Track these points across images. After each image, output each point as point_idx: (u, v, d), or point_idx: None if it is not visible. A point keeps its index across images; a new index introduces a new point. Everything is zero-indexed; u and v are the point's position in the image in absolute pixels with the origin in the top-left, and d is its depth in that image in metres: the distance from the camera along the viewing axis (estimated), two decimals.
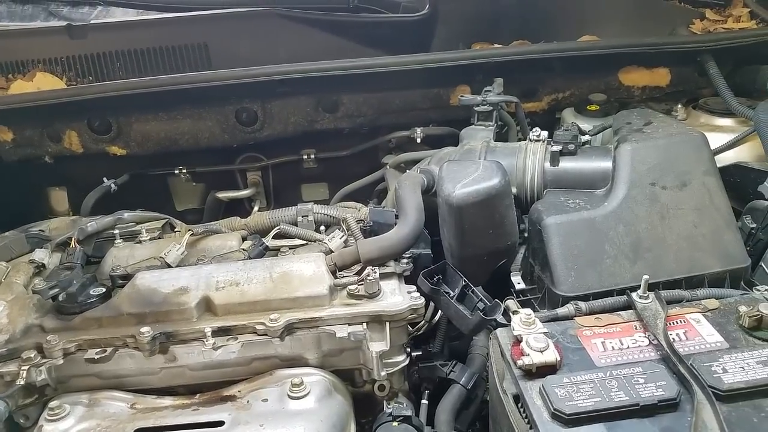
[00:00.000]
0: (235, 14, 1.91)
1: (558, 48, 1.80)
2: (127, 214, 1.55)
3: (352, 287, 1.26)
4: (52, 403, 1.13)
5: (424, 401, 1.33)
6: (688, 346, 1.03)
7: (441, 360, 1.37)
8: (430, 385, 1.36)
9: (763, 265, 1.35)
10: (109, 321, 1.21)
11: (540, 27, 1.97)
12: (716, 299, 1.14)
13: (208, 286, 1.25)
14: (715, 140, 1.61)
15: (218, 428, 1.10)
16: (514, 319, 1.06)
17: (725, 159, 1.59)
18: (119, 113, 1.81)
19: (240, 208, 2.13)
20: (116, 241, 1.49)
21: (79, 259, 1.38)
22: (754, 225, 1.37)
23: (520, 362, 0.99)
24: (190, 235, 1.46)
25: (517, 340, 1.03)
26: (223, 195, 2.09)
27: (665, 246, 1.28)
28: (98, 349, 1.17)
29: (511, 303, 1.14)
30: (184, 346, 1.21)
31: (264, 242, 1.44)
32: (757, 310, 1.04)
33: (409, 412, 1.25)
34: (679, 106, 1.80)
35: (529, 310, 1.08)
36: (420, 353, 1.40)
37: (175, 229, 1.59)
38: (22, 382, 1.11)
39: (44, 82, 1.85)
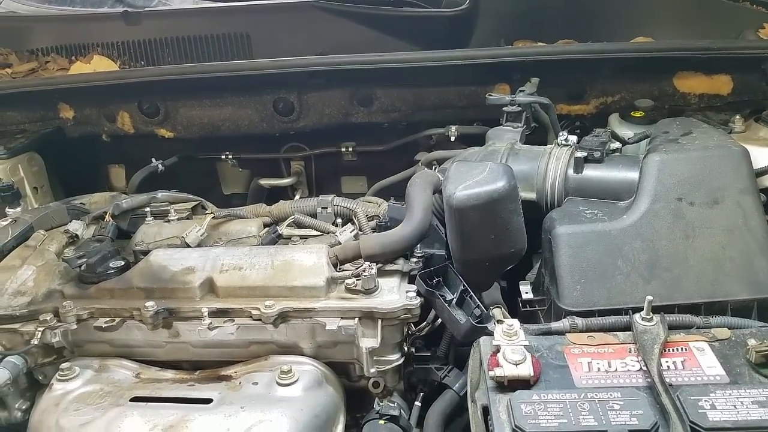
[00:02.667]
0: (276, 6, 1.97)
1: (605, 48, 1.71)
2: (161, 194, 1.64)
3: (349, 281, 1.26)
4: (64, 365, 1.22)
5: (417, 403, 1.32)
6: (682, 376, 0.95)
7: (439, 363, 1.35)
8: (426, 387, 1.35)
9: None
10: (120, 293, 1.29)
11: (589, 26, 1.87)
12: (729, 329, 1.04)
13: (214, 268, 1.30)
14: None
15: (205, 405, 1.15)
16: (497, 329, 1.03)
17: None
18: (167, 97, 1.92)
19: (283, 196, 2.19)
20: (147, 219, 1.58)
21: (110, 233, 1.48)
22: None
23: (491, 373, 0.95)
24: (212, 218, 1.52)
25: (496, 351, 1.00)
26: (265, 182, 2.16)
27: (686, 267, 1.19)
28: (107, 319, 1.24)
29: (498, 312, 1.10)
30: (186, 323, 1.26)
31: (278, 230, 1.47)
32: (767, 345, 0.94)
33: (396, 412, 1.24)
34: (737, 117, 1.64)
35: (514, 321, 1.04)
36: (428, 354, 1.39)
37: (206, 211, 1.67)
38: (36, 342, 1.21)
39: (100, 65, 2.00)
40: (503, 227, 1.21)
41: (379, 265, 1.32)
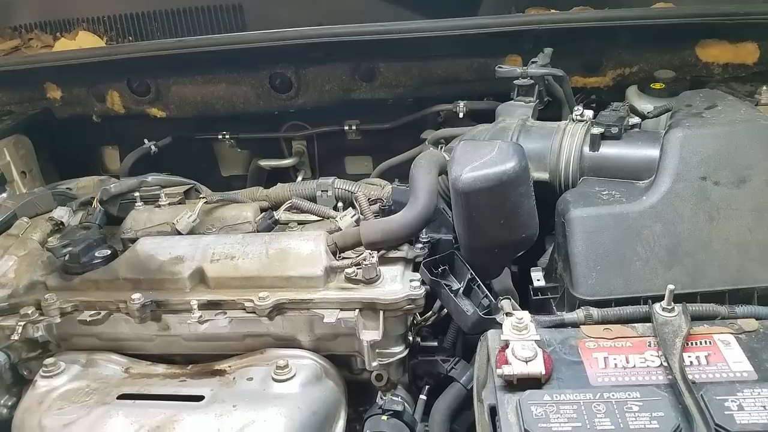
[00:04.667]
0: None
1: (623, 15, 1.60)
2: (151, 177, 1.56)
3: (349, 271, 1.19)
4: (48, 360, 1.17)
5: (422, 396, 1.26)
6: (706, 373, 0.88)
7: (445, 355, 1.28)
8: (431, 380, 1.29)
9: None
10: (106, 284, 1.23)
11: None
12: (757, 319, 0.97)
13: (204, 257, 1.24)
14: None
15: (195, 403, 1.09)
16: (506, 322, 0.95)
17: None
18: (157, 75, 1.84)
19: (285, 177, 2.12)
20: (137, 204, 1.50)
21: (97, 219, 1.41)
22: None
23: (499, 371, 0.89)
24: (204, 203, 1.45)
25: (504, 346, 0.93)
26: (265, 163, 2.09)
27: (710, 251, 1.10)
28: (93, 312, 1.18)
29: (506, 303, 1.02)
30: (176, 316, 1.20)
31: (274, 215, 1.40)
32: None
33: (400, 407, 1.18)
34: (765, 88, 1.54)
35: (524, 313, 0.97)
36: (435, 345, 1.33)
37: (200, 195, 1.59)
38: (16, 337, 1.15)
39: (86, 41, 1.92)
40: (513, 211, 1.13)
41: (382, 252, 1.25)
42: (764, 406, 0.79)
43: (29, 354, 1.22)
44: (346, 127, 1.98)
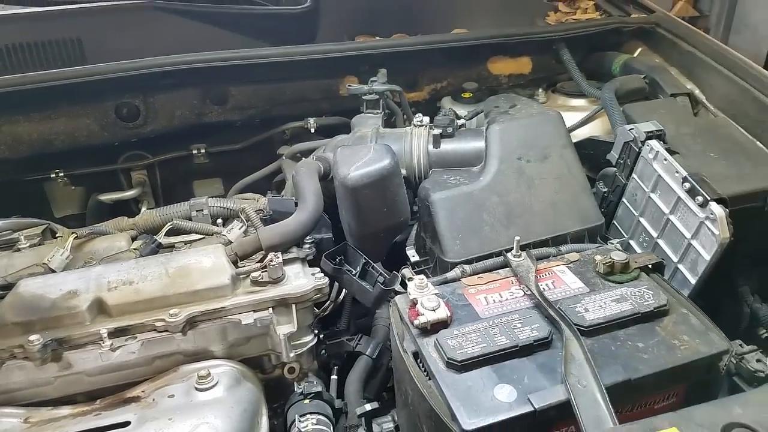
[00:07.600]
0: (109, 8, 1.85)
1: (436, 40, 1.95)
2: (1, 222, 1.47)
3: (255, 274, 1.28)
4: None
5: (334, 377, 1.40)
6: (556, 293, 1.18)
7: (347, 336, 1.45)
8: (338, 360, 1.44)
9: (615, 222, 1.58)
10: None
11: (416, 21, 2.11)
12: (577, 253, 1.32)
13: (99, 287, 1.22)
14: (571, 118, 1.83)
15: (124, 429, 1.07)
16: (410, 285, 1.16)
17: (580, 134, 1.81)
18: None
19: (126, 210, 2.05)
20: None
21: None
22: (606, 189, 1.59)
23: (416, 321, 1.09)
24: (74, 238, 1.41)
25: (413, 303, 1.14)
26: (106, 197, 2.00)
27: (533, 212, 1.45)
28: None
29: (407, 271, 1.24)
30: (79, 351, 1.16)
31: (156, 240, 1.42)
32: (610, 258, 1.22)
33: (319, 389, 1.30)
34: (540, 90, 2.01)
35: (422, 276, 1.18)
36: (327, 332, 1.48)
37: (57, 235, 1.52)
38: None
39: None
40: (393, 199, 1.36)
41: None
42: (601, 306, 1.11)
43: None
44: (194, 151, 2.02)
